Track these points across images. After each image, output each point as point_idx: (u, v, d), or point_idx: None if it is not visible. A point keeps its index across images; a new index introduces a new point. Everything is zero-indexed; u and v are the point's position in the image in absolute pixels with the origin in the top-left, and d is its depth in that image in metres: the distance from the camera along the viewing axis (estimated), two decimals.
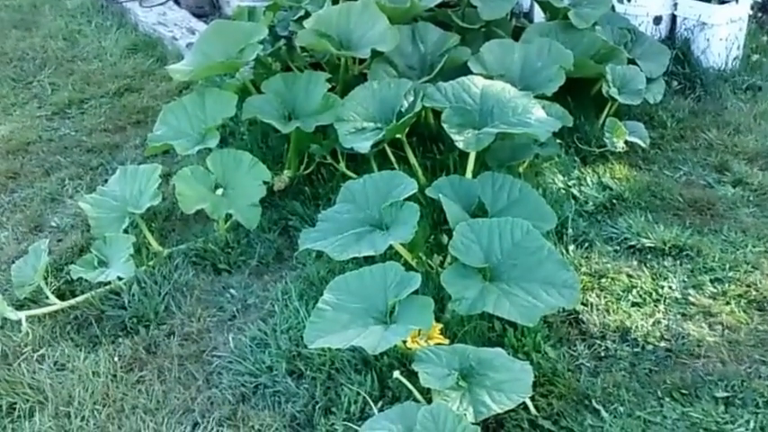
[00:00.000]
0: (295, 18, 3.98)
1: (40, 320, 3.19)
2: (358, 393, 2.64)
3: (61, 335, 3.12)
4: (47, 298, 3.24)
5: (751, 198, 3.69)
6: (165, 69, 4.14)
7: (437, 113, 3.50)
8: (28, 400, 2.83)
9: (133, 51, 5.82)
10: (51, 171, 4.38)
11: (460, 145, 3.22)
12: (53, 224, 3.89)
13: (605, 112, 4.08)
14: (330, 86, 3.70)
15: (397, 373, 2.51)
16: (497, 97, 3.35)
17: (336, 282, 2.73)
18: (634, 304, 3.02)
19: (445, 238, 3.18)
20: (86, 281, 3.27)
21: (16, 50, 5.95)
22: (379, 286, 2.68)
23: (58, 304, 3.23)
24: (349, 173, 3.68)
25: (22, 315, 3.15)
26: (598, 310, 2.98)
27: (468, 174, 3.31)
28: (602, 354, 2.82)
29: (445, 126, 3.25)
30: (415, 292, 2.63)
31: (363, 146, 3.35)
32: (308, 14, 3.85)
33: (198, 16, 6.25)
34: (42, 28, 6.36)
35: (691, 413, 2.53)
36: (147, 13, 6.32)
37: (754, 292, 3.05)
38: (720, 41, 4.70)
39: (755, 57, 4.94)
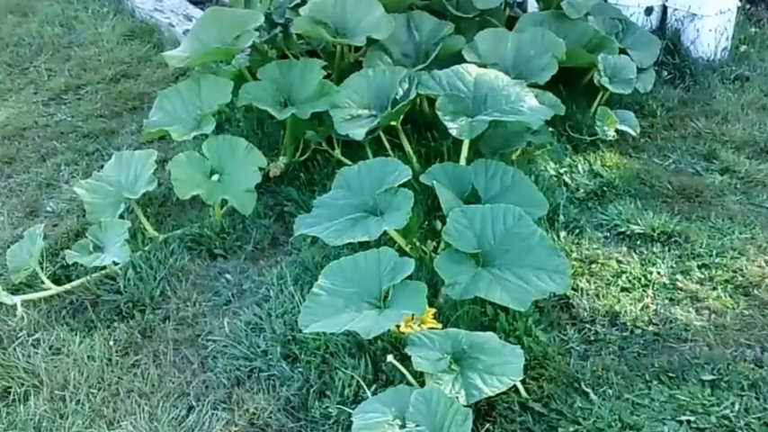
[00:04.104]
0: (291, 5, 3.98)
1: (36, 305, 3.20)
2: (352, 377, 2.65)
3: (56, 319, 3.13)
4: (42, 283, 3.25)
5: (738, 186, 3.73)
6: (162, 56, 4.13)
7: (432, 101, 3.51)
8: (23, 384, 2.83)
9: (130, 38, 5.80)
10: (47, 156, 4.38)
11: (454, 132, 3.25)
12: (49, 209, 3.90)
13: (597, 101, 4.11)
14: (326, 74, 3.70)
15: (390, 357, 2.53)
16: (491, 85, 3.37)
17: (331, 267, 2.74)
18: (623, 289, 3.05)
19: (439, 224, 3.20)
20: (82, 265, 3.27)
21: (12, 36, 5.93)
22: (373, 271, 2.69)
23: (54, 289, 3.23)
24: (344, 159, 3.70)
25: (18, 299, 3.16)
26: (588, 294, 3.02)
27: (462, 161, 3.33)
28: (592, 338, 2.85)
29: (439, 114, 3.28)
30: (409, 278, 2.64)
31: (358, 133, 3.37)
32: (304, 2, 3.84)
33: (194, 3, 6.23)
34: (39, 13, 6.34)
35: (677, 395, 2.56)
36: (144, 0, 6.31)
37: (740, 278, 3.08)
38: (710, 32, 4.74)
39: (743, 47, 4.98)
